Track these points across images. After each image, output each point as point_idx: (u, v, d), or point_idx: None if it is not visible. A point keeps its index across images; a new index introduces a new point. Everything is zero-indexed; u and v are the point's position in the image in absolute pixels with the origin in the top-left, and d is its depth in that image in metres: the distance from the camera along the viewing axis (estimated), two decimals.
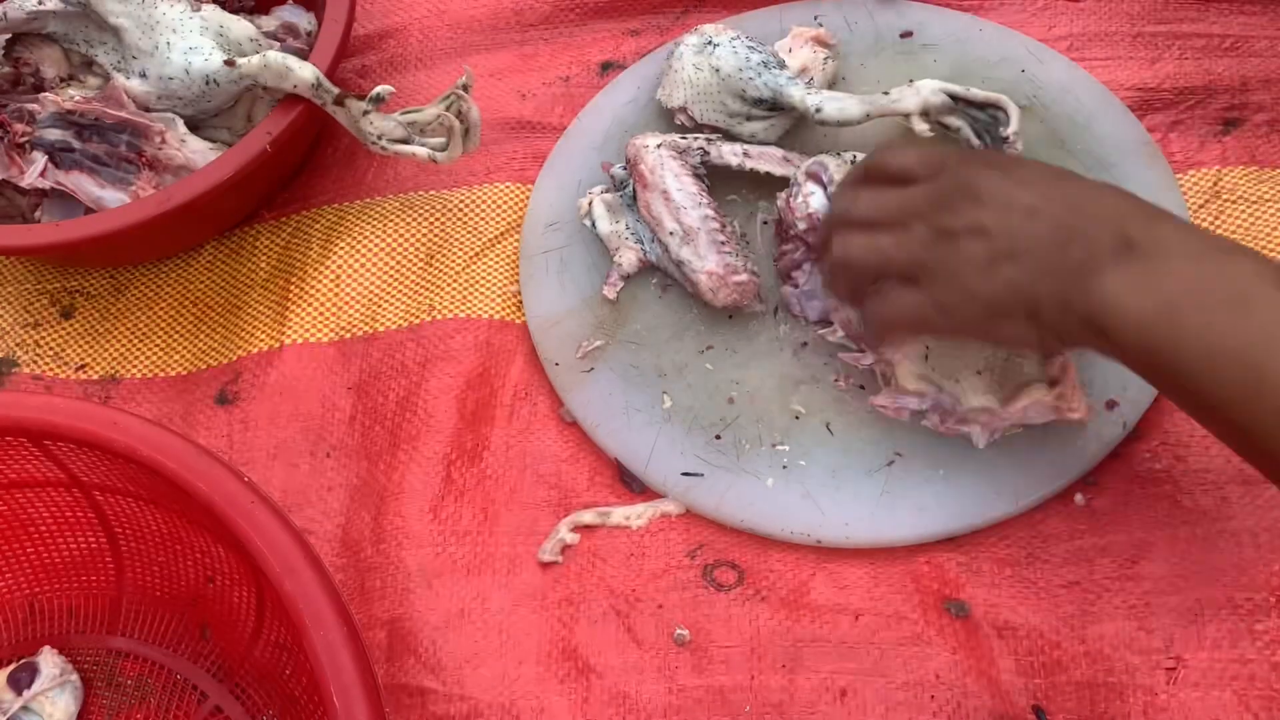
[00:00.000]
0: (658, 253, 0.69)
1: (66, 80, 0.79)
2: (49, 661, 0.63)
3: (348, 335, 0.73)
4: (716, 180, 0.71)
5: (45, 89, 0.78)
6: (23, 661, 0.64)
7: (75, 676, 0.64)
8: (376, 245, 0.76)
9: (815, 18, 0.79)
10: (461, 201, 0.78)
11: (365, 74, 0.86)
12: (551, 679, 0.60)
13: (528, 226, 0.75)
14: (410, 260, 0.76)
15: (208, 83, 0.74)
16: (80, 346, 0.77)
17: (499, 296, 0.73)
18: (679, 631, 0.60)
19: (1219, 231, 0.68)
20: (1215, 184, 0.69)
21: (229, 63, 0.73)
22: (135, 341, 0.77)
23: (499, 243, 0.76)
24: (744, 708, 0.58)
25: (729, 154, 0.71)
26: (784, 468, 0.63)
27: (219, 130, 0.78)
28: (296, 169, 0.81)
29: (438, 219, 0.78)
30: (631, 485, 0.65)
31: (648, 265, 0.71)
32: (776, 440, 0.64)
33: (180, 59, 0.73)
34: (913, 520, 0.60)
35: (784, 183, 0.71)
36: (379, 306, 0.74)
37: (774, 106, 0.72)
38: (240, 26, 0.76)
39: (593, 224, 0.73)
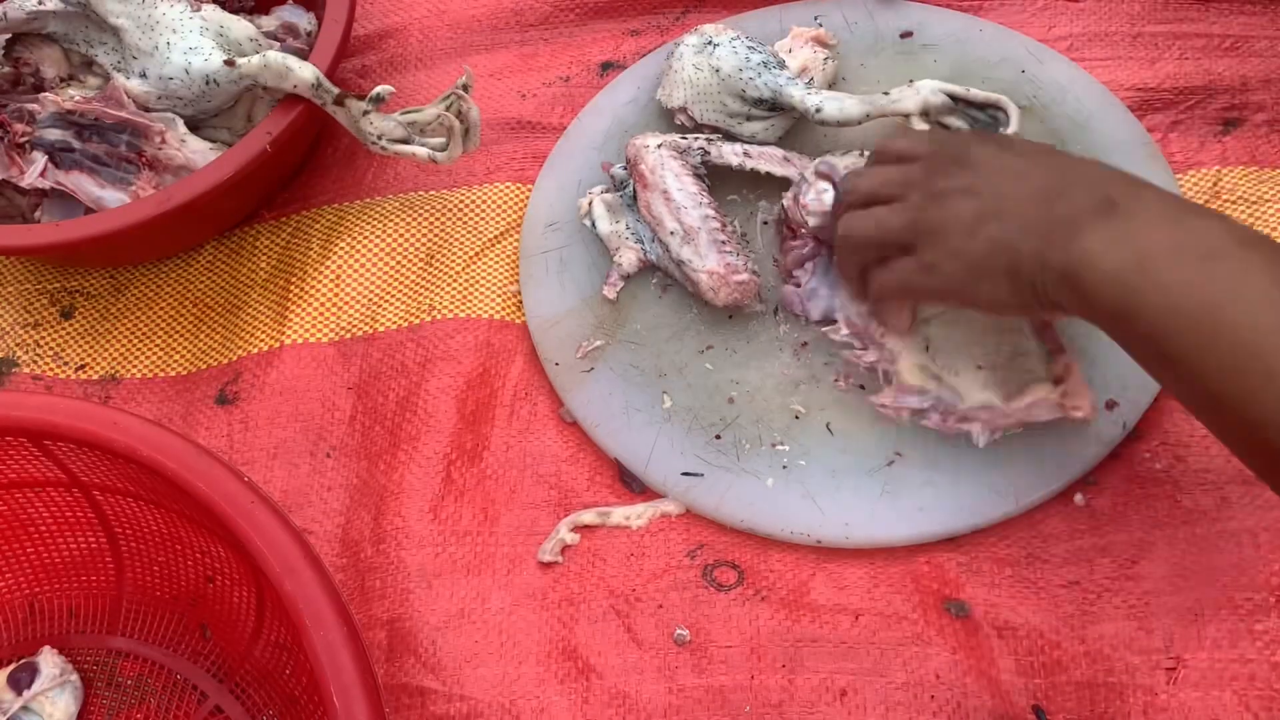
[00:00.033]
0: (658, 253, 0.69)
1: (66, 80, 0.79)
2: (49, 661, 0.63)
3: (347, 335, 0.73)
4: (716, 180, 0.71)
5: (45, 89, 0.78)
6: (23, 661, 0.64)
7: (75, 676, 0.64)
8: (376, 245, 0.76)
9: (815, 18, 0.79)
10: (461, 201, 0.78)
11: (365, 74, 0.86)
12: (551, 679, 0.60)
13: (528, 226, 0.75)
14: (410, 260, 0.76)
15: (208, 83, 0.74)
16: (80, 346, 0.77)
17: (499, 296, 0.74)
18: (679, 631, 0.60)
19: None
20: (1215, 184, 0.69)
21: (229, 63, 0.73)
22: (135, 341, 0.77)
23: (499, 243, 0.76)
24: (744, 708, 0.58)
25: (729, 154, 0.71)
26: (784, 468, 0.63)
27: (219, 130, 0.79)
28: (296, 169, 0.81)
29: (438, 219, 0.78)
30: (631, 485, 0.65)
31: (648, 265, 0.71)
32: (776, 440, 0.64)
33: (180, 59, 0.73)
34: (913, 520, 0.60)
35: (784, 183, 0.71)
36: (379, 306, 0.74)
37: (774, 106, 0.72)
38: (240, 26, 0.76)
39: (593, 224, 0.73)
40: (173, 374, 0.75)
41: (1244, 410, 0.43)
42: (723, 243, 0.67)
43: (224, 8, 0.79)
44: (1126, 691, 0.55)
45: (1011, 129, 0.68)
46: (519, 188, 0.78)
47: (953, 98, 0.69)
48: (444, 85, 0.83)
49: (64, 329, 0.78)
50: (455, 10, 0.87)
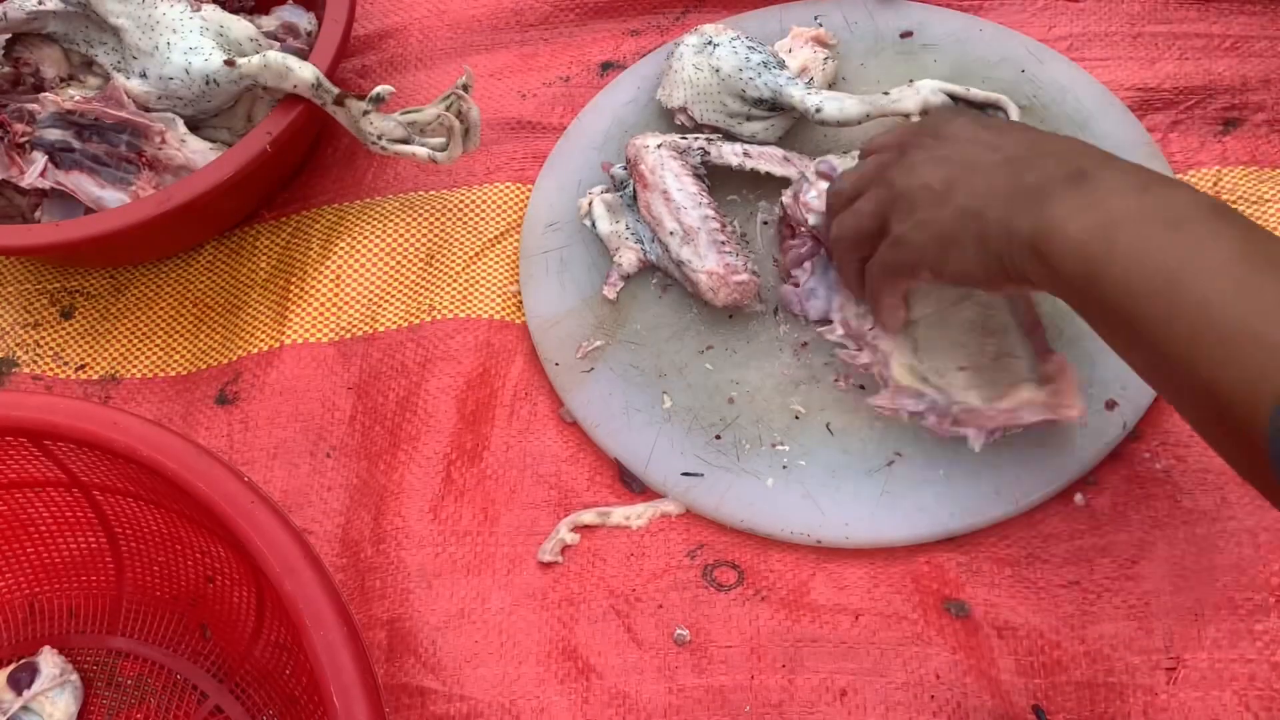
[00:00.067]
0: (658, 253, 0.69)
1: (66, 80, 0.79)
2: (49, 661, 0.63)
3: (347, 335, 0.73)
4: (716, 180, 0.71)
5: (45, 89, 0.78)
6: (23, 661, 0.64)
7: (75, 676, 0.64)
8: (376, 245, 0.76)
9: (815, 18, 0.79)
10: (461, 201, 0.78)
11: (365, 74, 0.86)
12: (551, 679, 0.60)
13: (528, 226, 0.75)
14: (410, 260, 0.76)
15: (208, 83, 0.74)
16: (80, 346, 0.77)
17: (499, 296, 0.74)
18: (679, 631, 0.60)
19: None
20: (1215, 184, 0.69)
21: (229, 63, 0.73)
22: (135, 341, 0.77)
23: (499, 243, 0.76)
24: (744, 708, 0.58)
25: (729, 154, 0.71)
26: (784, 468, 0.63)
27: (219, 130, 0.79)
28: (296, 169, 0.81)
29: (438, 219, 0.78)
30: (631, 485, 0.65)
31: (648, 265, 0.71)
32: (776, 440, 0.64)
33: (180, 59, 0.73)
34: (913, 520, 0.60)
35: (784, 183, 0.71)
36: (379, 306, 0.74)
37: (774, 106, 0.72)
38: (240, 26, 0.76)
39: (593, 224, 0.73)
40: (173, 374, 0.75)
41: (1199, 374, 0.42)
42: (722, 243, 0.67)
43: (224, 8, 0.79)
44: (1126, 691, 0.55)
45: None
46: (519, 188, 0.78)
47: (953, 97, 0.69)
48: (444, 85, 0.83)
49: (64, 329, 0.78)
50: (455, 10, 0.87)
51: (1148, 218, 0.45)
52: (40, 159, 0.74)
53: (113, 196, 0.74)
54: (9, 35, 0.78)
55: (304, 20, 0.81)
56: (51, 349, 0.77)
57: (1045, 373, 0.59)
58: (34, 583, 0.67)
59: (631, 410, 0.66)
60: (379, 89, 0.72)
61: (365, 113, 0.73)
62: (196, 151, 0.75)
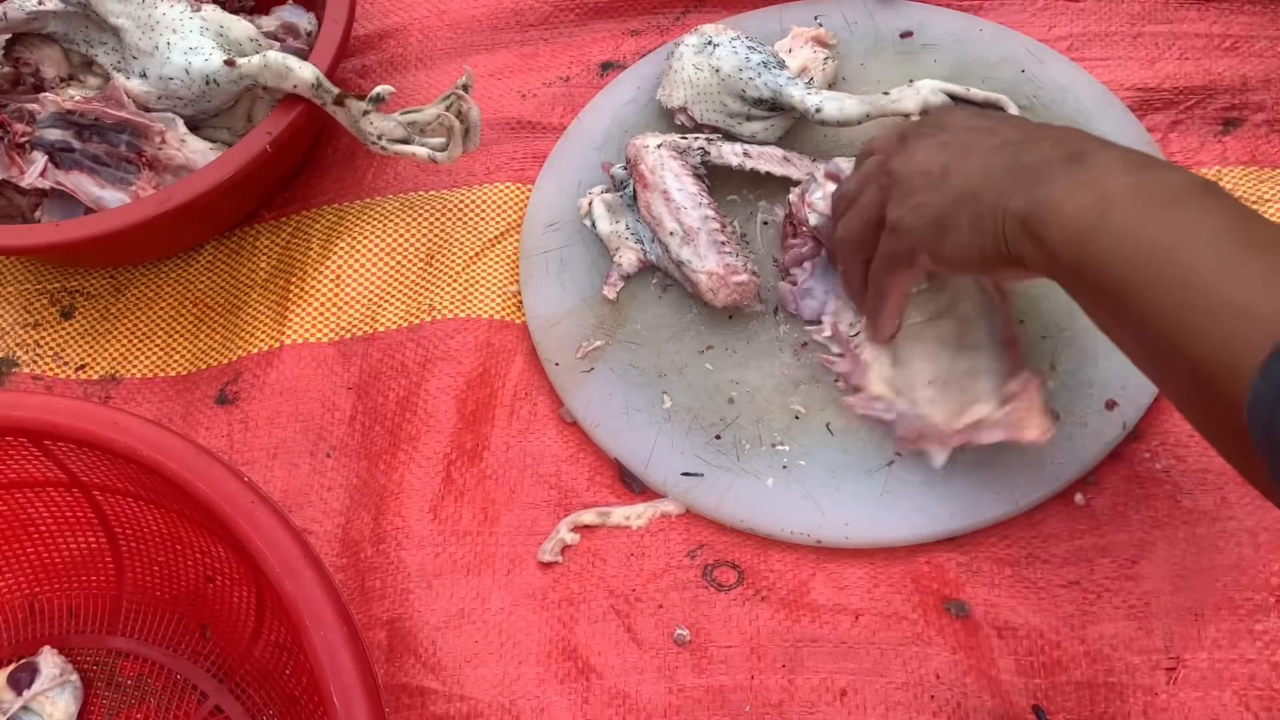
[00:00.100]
0: (658, 253, 0.69)
1: (66, 80, 0.79)
2: (49, 661, 0.63)
3: (347, 335, 0.73)
4: (716, 180, 0.71)
5: (45, 89, 0.78)
6: (23, 661, 0.64)
7: (75, 676, 0.64)
8: (376, 245, 0.76)
9: (815, 18, 0.79)
10: (461, 201, 0.78)
11: (365, 74, 0.86)
12: (551, 679, 0.60)
13: (528, 226, 0.75)
14: (410, 260, 0.76)
15: (208, 83, 0.74)
16: (80, 346, 0.77)
17: (499, 296, 0.74)
18: (679, 631, 0.60)
19: None
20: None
21: (229, 63, 0.73)
22: (135, 341, 0.77)
23: (499, 243, 0.76)
24: (744, 708, 0.58)
25: (729, 154, 0.71)
26: (784, 468, 0.63)
27: (219, 130, 0.79)
28: (296, 169, 0.81)
29: (438, 219, 0.78)
30: (631, 485, 0.65)
31: (648, 265, 0.71)
32: (776, 440, 0.64)
33: (180, 59, 0.73)
34: (913, 520, 0.60)
35: (784, 183, 0.71)
36: (379, 306, 0.74)
37: (774, 106, 0.72)
38: (240, 26, 0.76)
39: (593, 224, 0.73)
40: (173, 374, 0.75)
41: (1183, 347, 0.43)
42: (722, 243, 0.67)
43: (224, 8, 0.79)
44: (1126, 691, 0.55)
45: None
46: (519, 188, 0.78)
47: (953, 97, 0.69)
48: (444, 85, 0.83)
49: (64, 329, 0.78)
50: (455, 10, 0.87)
51: (1142, 195, 0.46)
52: (40, 159, 0.74)
53: (113, 196, 0.74)
54: (9, 35, 0.78)
55: (304, 20, 0.81)
56: (51, 349, 0.77)
57: (1007, 391, 0.58)
58: (34, 583, 0.67)
59: (631, 410, 0.66)
60: (379, 89, 0.72)
61: (365, 113, 0.73)
62: (196, 151, 0.75)
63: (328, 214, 0.79)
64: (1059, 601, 0.58)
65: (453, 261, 0.75)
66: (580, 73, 0.82)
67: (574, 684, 0.60)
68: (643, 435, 0.65)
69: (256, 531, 0.52)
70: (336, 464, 0.69)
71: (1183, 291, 0.43)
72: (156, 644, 0.65)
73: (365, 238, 0.77)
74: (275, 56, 0.72)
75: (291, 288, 0.76)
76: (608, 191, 0.73)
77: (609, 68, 0.82)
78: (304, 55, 0.75)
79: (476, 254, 0.76)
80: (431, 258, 0.76)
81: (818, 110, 0.69)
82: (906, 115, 0.68)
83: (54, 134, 0.74)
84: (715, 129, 0.73)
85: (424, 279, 0.75)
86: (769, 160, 0.71)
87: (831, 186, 0.65)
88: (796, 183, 0.71)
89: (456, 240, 0.76)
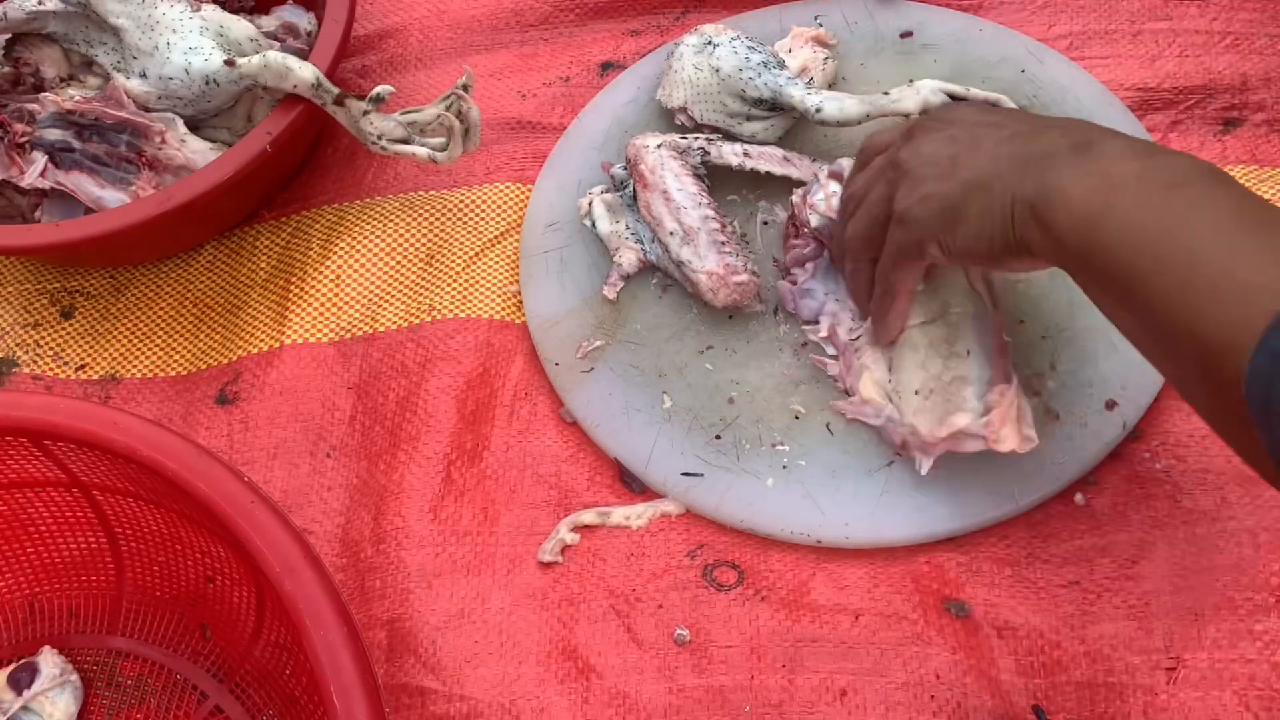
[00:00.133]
0: (658, 253, 0.69)
1: (66, 80, 0.79)
2: (49, 661, 0.63)
3: (348, 335, 0.73)
4: (716, 180, 0.71)
5: (45, 89, 0.78)
6: (23, 661, 0.64)
7: (75, 676, 0.64)
8: (376, 245, 0.76)
9: (815, 18, 0.79)
10: (461, 201, 0.78)
11: (365, 74, 0.86)
12: (551, 679, 0.60)
13: (528, 226, 0.75)
14: (410, 260, 0.76)
15: (208, 83, 0.74)
16: (80, 346, 0.77)
17: (499, 296, 0.74)
18: (679, 631, 0.60)
19: None
20: None
21: (229, 63, 0.73)
22: (135, 341, 0.77)
23: (499, 243, 0.76)
24: (744, 708, 0.58)
25: (729, 154, 0.71)
26: (784, 468, 0.63)
27: (219, 130, 0.79)
28: (296, 169, 0.81)
29: (438, 219, 0.78)
30: (631, 485, 0.65)
31: (648, 265, 0.71)
32: (776, 440, 0.64)
33: (180, 59, 0.73)
34: (913, 520, 0.60)
35: (784, 183, 0.71)
36: (379, 306, 0.74)
37: (774, 106, 0.72)
38: (240, 26, 0.76)
39: (593, 224, 0.73)
40: (173, 374, 0.75)
41: (1185, 324, 0.43)
42: (722, 243, 0.66)
43: (224, 8, 0.79)
44: (1126, 691, 0.55)
45: None
46: (519, 188, 0.78)
47: (953, 97, 0.69)
48: (444, 85, 0.83)
49: (64, 329, 0.78)
50: (455, 10, 0.87)
51: (1146, 180, 0.46)
52: (40, 159, 0.74)
53: (113, 196, 0.74)
54: (9, 35, 0.78)
55: (304, 20, 0.81)
56: (51, 349, 0.77)
57: (988, 402, 0.57)
58: (34, 583, 0.67)
59: (631, 410, 0.66)
60: (379, 89, 0.72)
61: (365, 113, 0.73)
62: (196, 151, 0.75)
63: (328, 214, 0.79)
64: (1059, 601, 0.58)
65: (453, 261, 0.75)
66: (580, 73, 0.82)
67: (574, 684, 0.60)
68: (643, 435, 0.65)
69: (256, 531, 0.52)
70: (336, 464, 0.69)
71: (1186, 272, 0.43)
72: (156, 644, 0.65)
73: (365, 238, 0.77)
74: (275, 56, 0.72)
75: (291, 288, 0.76)
76: (608, 191, 0.73)
77: (609, 68, 0.82)
78: (304, 55, 0.75)
79: (476, 254, 0.76)
80: (431, 258, 0.76)
81: (818, 110, 0.69)
82: (906, 115, 0.68)
83: (54, 134, 0.74)
84: (715, 129, 0.73)
85: (424, 279, 0.75)
86: (769, 160, 0.71)
87: (834, 187, 0.65)
88: (796, 182, 0.71)
89: (456, 240, 0.76)
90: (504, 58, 0.84)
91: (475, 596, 0.63)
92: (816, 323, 0.66)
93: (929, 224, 0.53)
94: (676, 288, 0.70)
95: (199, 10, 0.75)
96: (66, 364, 0.77)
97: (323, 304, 0.75)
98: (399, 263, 0.76)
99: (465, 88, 0.73)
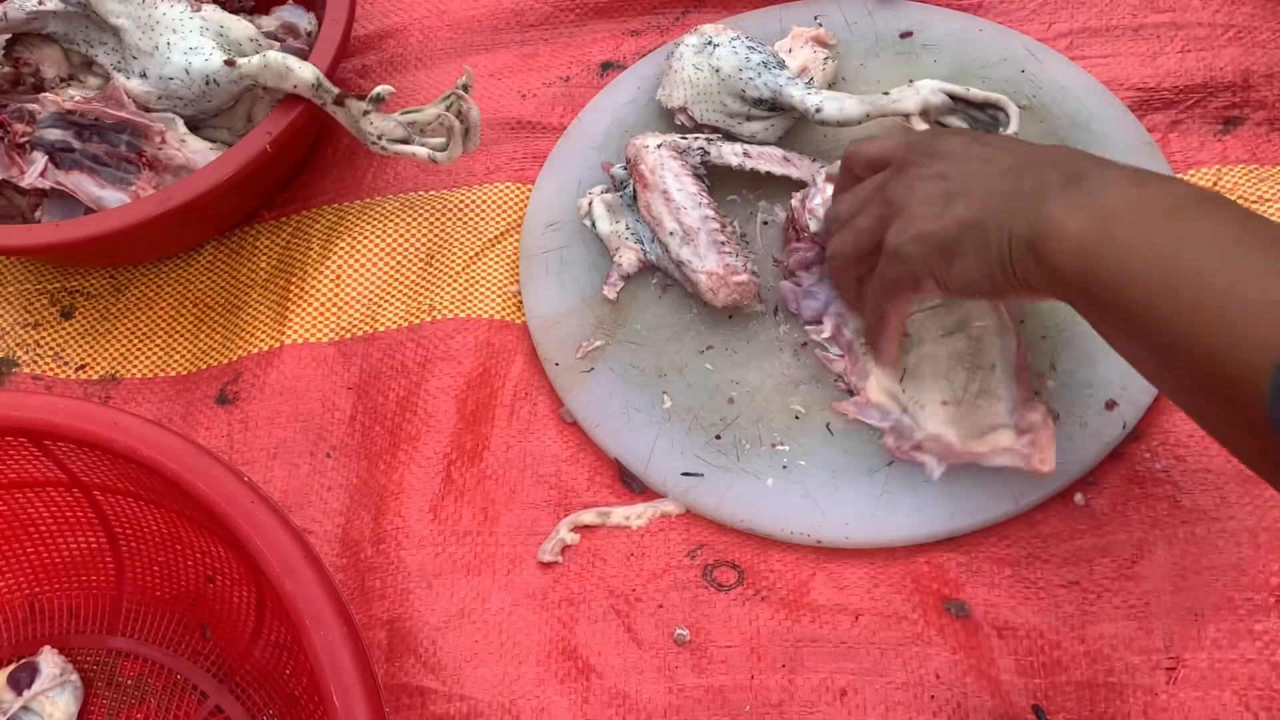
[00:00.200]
0: (658, 253, 0.69)
1: (66, 80, 0.79)
2: (49, 661, 0.63)
3: (348, 335, 0.73)
4: (716, 180, 0.71)
5: (45, 89, 0.78)
6: (23, 661, 0.64)
7: (75, 676, 0.64)
8: (376, 245, 0.76)
9: (815, 18, 0.79)
10: (461, 201, 0.78)
11: (365, 74, 0.86)
12: (551, 679, 0.60)
13: (528, 226, 0.75)
14: (410, 260, 0.76)
15: (208, 83, 0.74)
16: (80, 346, 0.77)
17: (499, 296, 0.74)
18: (679, 631, 0.60)
19: None
20: (1215, 183, 0.69)
21: (229, 63, 0.73)
22: (135, 341, 0.77)
23: (499, 243, 0.76)
24: (744, 708, 0.58)
25: (729, 154, 0.71)
26: (784, 468, 0.63)
27: (219, 130, 0.79)
28: (296, 169, 0.81)
29: (438, 219, 0.78)
30: (631, 485, 0.65)
31: (648, 265, 0.71)
32: (776, 440, 0.64)
33: (180, 59, 0.73)
34: (913, 520, 0.60)
35: (784, 183, 0.71)
36: (379, 306, 0.74)
37: (774, 106, 0.72)
38: (240, 26, 0.76)
39: (593, 224, 0.73)
40: (173, 374, 0.75)
41: (1197, 349, 0.43)
42: (722, 243, 0.67)
43: (224, 8, 0.79)
44: (1126, 691, 0.55)
45: (1012, 129, 0.68)
46: (519, 188, 0.78)
47: (953, 97, 0.69)
48: (444, 85, 0.83)
49: (64, 329, 0.78)
50: (455, 10, 0.87)
51: (1144, 207, 0.46)
52: (40, 159, 0.74)
53: (113, 196, 0.74)
54: (9, 35, 0.78)
55: (304, 20, 0.81)
56: (51, 349, 0.77)
57: (1027, 421, 0.58)
58: (34, 583, 0.67)
59: (631, 410, 0.66)
60: (379, 89, 0.72)
61: (365, 113, 0.73)
62: (196, 151, 0.75)
63: (328, 214, 0.79)
64: (1059, 601, 0.58)
65: (453, 261, 0.76)
66: (580, 73, 0.82)
67: (574, 684, 0.60)
68: (643, 435, 0.65)
69: (256, 531, 0.52)
70: (336, 464, 0.69)
71: (1193, 295, 0.43)
72: (156, 644, 0.65)
73: (365, 238, 0.77)
74: (275, 56, 0.72)
75: (291, 288, 0.76)
76: (608, 191, 0.73)
77: (609, 68, 0.82)
78: (304, 55, 0.75)
79: (476, 254, 0.76)
80: (431, 258, 0.76)
81: (818, 110, 0.69)
82: (906, 115, 0.69)
83: (54, 134, 0.74)
84: (715, 129, 0.73)
85: (424, 279, 0.75)
86: (769, 160, 0.71)
87: (831, 190, 0.65)
88: (796, 182, 0.71)
89: (456, 240, 0.76)
90: (504, 58, 0.84)
91: (475, 596, 0.63)
92: (819, 323, 0.66)
93: (924, 262, 0.53)
94: (676, 288, 0.70)
95: (199, 10, 0.75)
96: (66, 364, 0.77)
97: (323, 304, 0.75)
98: (399, 263, 0.76)
99: (465, 88, 0.73)
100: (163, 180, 0.75)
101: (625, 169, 0.72)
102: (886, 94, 0.69)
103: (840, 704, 0.57)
